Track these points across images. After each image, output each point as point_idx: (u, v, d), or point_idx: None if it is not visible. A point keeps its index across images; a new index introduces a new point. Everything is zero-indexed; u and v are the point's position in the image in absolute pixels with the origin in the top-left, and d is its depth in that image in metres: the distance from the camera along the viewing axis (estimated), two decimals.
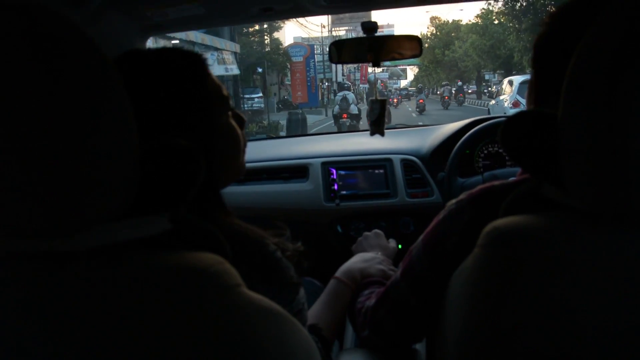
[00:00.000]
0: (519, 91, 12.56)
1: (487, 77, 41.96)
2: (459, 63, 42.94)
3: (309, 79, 31.71)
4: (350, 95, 14.17)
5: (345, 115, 13.46)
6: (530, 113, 0.63)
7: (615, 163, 0.50)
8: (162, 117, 0.74)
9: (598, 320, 0.54)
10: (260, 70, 25.81)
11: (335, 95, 33.31)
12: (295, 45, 33.15)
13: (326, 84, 37.10)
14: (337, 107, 14.27)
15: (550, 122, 0.58)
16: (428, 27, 51.85)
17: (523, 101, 11.46)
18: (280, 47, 31.25)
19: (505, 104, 13.09)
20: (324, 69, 35.01)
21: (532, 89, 0.78)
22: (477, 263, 0.62)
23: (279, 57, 29.20)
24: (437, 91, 55.44)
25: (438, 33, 49.18)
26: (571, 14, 0.71)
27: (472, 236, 0.64)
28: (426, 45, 48.64)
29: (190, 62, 0.80)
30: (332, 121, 14.72)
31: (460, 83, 37.48)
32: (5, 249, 0.52)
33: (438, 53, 47.01)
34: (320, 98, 33.05)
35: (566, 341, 0.55)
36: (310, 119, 19.23)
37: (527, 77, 13.77)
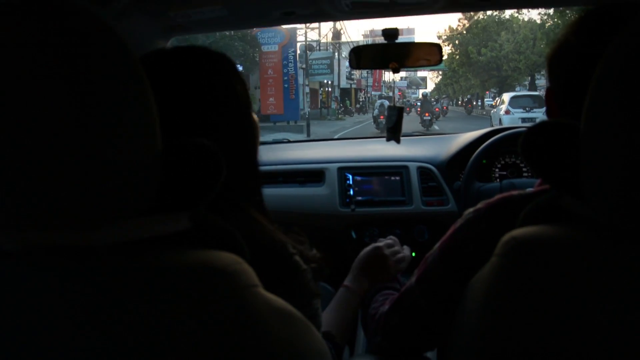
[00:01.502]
0: (510, 103, 17.34)
1: (537, 81, 33.78)
2: (504, 64, 33.09)
3: (286, 78, 20.86)
4: (387, 103, 17.28)
5: (382, 117, 16.42)
6: (551, 124, 0.63)
7: (636, 177, 0.49)
8: (189, 116, 0.74)
9: (615, 334, 0.53)
10: None
11: (338, 100, 34.92)
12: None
13: (326, 89, 32.77)
14: (376, 110, 19.98)
15: (571, 133, 0.58)
16: (459, 20, 40.92)
17: (512, 110, 16.91)
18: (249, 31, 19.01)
19: (501, 112, 17.54)
20: (316, 67, 26.81)
21: (550, 100, 0.77)
22: (493, 272, 0.61)
23: (240, 43, 18.59)
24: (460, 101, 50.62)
25: (474, 27, 36.48)
26: (589, 25, 0.70)
27: (489, 245, 0.64)
28: (453, 44, 40.32)
29: (219, 61, 0.80)
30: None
31: (469, 96, 37.21)
32: (26, 243, 0.53)
33: (472, 51, 35.88)
34: (304, 107, 22.47)
35: (583, 354, 0.54)
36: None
37: (516, 93, 20.03)
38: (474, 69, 37.22)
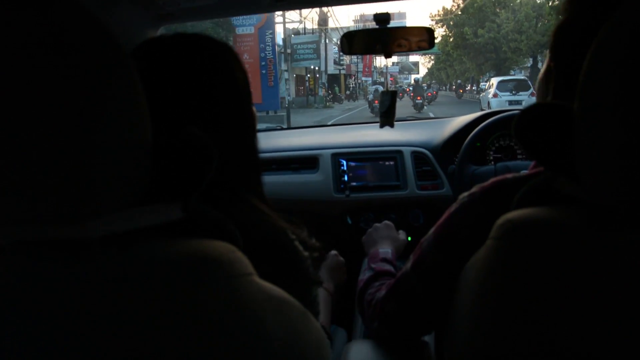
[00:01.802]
0: (497, 87, 18.37)
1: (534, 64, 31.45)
2: (503, 45, 30.89)
3: (264, 63, 18.64)
4: (381, 88, 18.15)
5: (377, 102, 17.95)
6: (544, 105, 0.63)
7: (634, 157, 0.49)
8: (190, 105, 0.74)
9: (610, 316, 0.53)
10: None
11: (325, 87, 34.26)
12: None
13: (313, 75, 32.21)
14: (371, 95, 21.97)
15: (565, 114, 0.58)
16: (454, 0, 38.94)
17: (500, 93, 17.92)
18: None
19: (489, 96, 18.48)
20: (301, 52, 26.49)
21: (546, 80, 0.77)
22: (489, 255, 0.62)
23: (210, 24, 17.26)
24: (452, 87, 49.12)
25: (469, 7, 34.11)
26: (590, 3, 0.70)
27: (484, 229, 0.64)
28: (447, 25, 38.51)
29: (221, 50, 0.80)
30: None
31: (459, 81, 36.99)
32: (18, 237, 0.53)
33: (468, 33, 33.25)
34: (284, 95, 20.47)
35: (576, 334, 0.54)
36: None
37: (503, 77, 20.58)
38: (470, 51, 34.91)
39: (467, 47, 35.06)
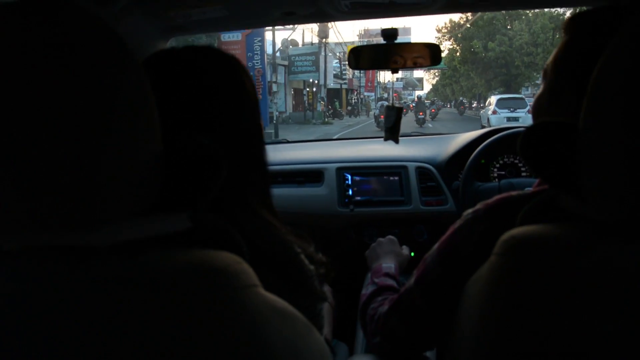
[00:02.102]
0: (497, 105, 19.32)
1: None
2: (516, 59, 29.56)
3: (252, 74, 7.99)
4: (386, 104, 19.39)
5: (382, 116, 18.26)
6: (550, 123, 0.63)
7: (637, 174, 0.49)
8: (200, 116, 0.75)
9: (615, 332, 0.53)
10: None
11: (324, 101, 31.71)
12: None
13: (311, 89, 29.40)
14: (377, 110, 23.56)
15: (570, 132, 0.58)
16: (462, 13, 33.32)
17: (499, 110, 18.85)
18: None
19: (489, 113, 19.51)
20: (299, 64, 25.34)
21: (549, 100, 0.77)
22: (493, 271, 0.62)
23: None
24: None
25: (479, 20, 32.18)
26: (592, 23, 0.70)
27: (487, 246, 0.64)
28: (454, 38, 37.22)
29: (230, 63, 0.81)
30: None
31: (461, 98, 36.08)
32: (25, 242, 0.53)
33: (477, 46, 31.46)
34: (285, 110, 22.42)
35: (581, 352, 0.54)
36: None
37: (502, 95, 22.13)
38: (479, 66, 33.46)
39: (476, 62, 33.86)
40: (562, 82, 0.75)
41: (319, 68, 26.87)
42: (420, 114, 23.63)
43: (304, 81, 29.13)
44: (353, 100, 42.36)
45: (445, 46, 39.70)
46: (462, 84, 43.11)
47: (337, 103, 33.80)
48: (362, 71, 33.50)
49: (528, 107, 18.00)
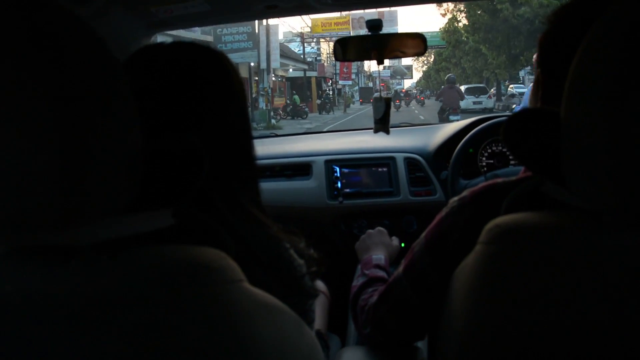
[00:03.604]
0: (465, 92, 19.74)
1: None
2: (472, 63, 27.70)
3: None
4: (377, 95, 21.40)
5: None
6: (533, 111, 0.63)
7: (619, 162, 0.50)
8: (187, 112, 0.74)
9: (598, 319, 0.54)
10: None
11: (268, 95, 19.61)
12: None
13: (256, 79, 20.96)
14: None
15: (553, 119, 0.58)
16: None
17: (467, 96, 20.38)
18: None
19: None
20: (228, 39, 18.19)
21: (537, 88, 0.78)
22: (478, 259, 0.62)
23: None
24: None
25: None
26: (575, 12, 0.70)
27: (473, 233, 0.64)
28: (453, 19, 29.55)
29: (219, 58, 0.80)
30: None
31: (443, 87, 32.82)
32: (11, 243, 0.53)
33: (504, 2, 21.92)
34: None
35: (566, 338, 0.55)
36: None
37: (468, 85, 25.90)
38: (498, 34, 23.21)
39: (495, 29, 23.11)
40: (545, 72, 0.75)
41: (259, 45, 19.02)
42: (397, 101, 28.23)
43: (249, 66, 21.10)
44: (327, 92, 31.62)
45: (437, 17, 35.66)
46: (464, 66, 33.10)
47: (295, 97, 25.53)
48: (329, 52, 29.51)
49: (489, 94, 24.60)
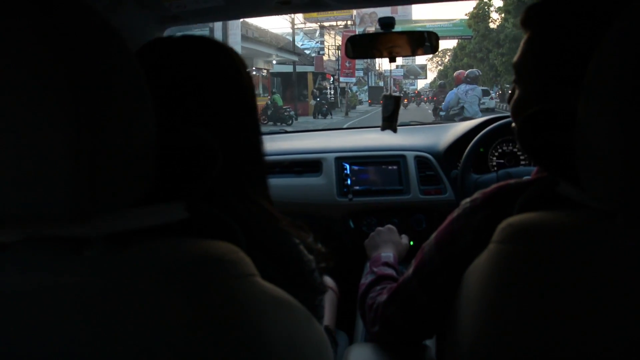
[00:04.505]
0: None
1: None
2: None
3: None
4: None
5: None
6: (547, 111, 0.63)
7: (634, 162, 0.49)
8: (199, 106, 0.74)
9: (613, 318, 0.53)
10: None
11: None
12: None
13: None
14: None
15: (568, 119, 0.58)
16: None
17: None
18: None
19: None
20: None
21: (529, 100, 0.78)
22: (491, 259, 0.62)
23: None
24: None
25: None
26: (554, 14, 0.71)
27: (486, 235, 0.64)
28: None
29: (228, 53, 0.80)
30: None
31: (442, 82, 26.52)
32: (24, 235, 0.53)
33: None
34: None
35: (579, 338, 0.54)
36: None
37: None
38: (500, 41, 20.73)
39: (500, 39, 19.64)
40: (543, 79, 0.74)
41: (213, 27, 14.86)
42: (406, 100, 30.35)
43: None
44: (326, 89, 25.55)
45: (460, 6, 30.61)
46: (493, 62, 25.82)
47: (277, 96, 19.80)
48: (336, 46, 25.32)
49: (491, 95, 22.84)
